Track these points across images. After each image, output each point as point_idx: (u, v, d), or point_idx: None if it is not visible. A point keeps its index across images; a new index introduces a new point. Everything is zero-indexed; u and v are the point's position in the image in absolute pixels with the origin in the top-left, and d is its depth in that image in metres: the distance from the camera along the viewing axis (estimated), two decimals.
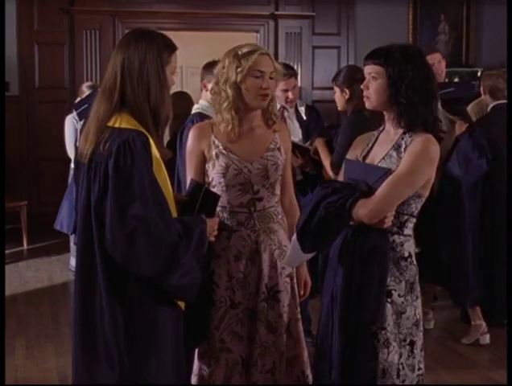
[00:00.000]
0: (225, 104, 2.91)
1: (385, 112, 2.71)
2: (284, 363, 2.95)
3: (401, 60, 2.59)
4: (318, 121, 5.00)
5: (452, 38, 9.27)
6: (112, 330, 2.41)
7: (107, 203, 2.36)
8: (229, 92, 2.89)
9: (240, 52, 2.88)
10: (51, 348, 4.70)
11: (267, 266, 2.94)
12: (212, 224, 2.65)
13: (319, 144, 4.34)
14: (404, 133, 2.64)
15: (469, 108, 6.20)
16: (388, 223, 2.57)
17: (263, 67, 2.88)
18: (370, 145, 2.77)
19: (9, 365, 4.36)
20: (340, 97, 4.43)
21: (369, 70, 2.67)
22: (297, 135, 4.78)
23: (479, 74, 8.43)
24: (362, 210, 2.54)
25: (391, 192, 2.54)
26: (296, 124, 4.85)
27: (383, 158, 2.66)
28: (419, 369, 2.69)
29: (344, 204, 2.55)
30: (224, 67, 2.91)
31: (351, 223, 2.61)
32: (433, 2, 9.20)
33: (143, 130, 2.44)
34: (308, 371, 3.01)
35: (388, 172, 2.57)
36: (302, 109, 4.98)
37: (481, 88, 5.32)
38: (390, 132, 2.71)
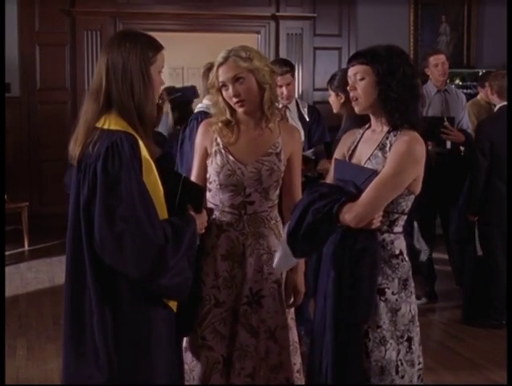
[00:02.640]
0: (217, 109, 2.97)
1: (371, 115, 2.71)
2: (266, 369, 2.93)
3: (387, 57, 2.59)
4: (320, 121, 5.02)
5: (452, 39, 9.27)
6: (101, 330, 2.41)
7: (96, 205, 2.37)
8: (219, 102, 2.95)
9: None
10: (52, 349, 4.70)
11: (252, 270, 2.92)
12: (201, 221, 2.66)
13: (325, 166, 4.39)
14: (389, 132, 2.64)
15: (467, 107, 6.20)
16: (376, 224, 2.57)
17: (222, 77, 2.88)
18: (355, 144, 2.77)
19: (10, 366, 4.37)
20: (335, 101, 4.49)
21: (355, 71, 2.67)
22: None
23: (480, 75, 8.50)
24: (348, 215, 2.54)
25: (377, 196, 2.53)
26: (299, 124, 4.86)
27: (369, 158, 2.66)
28: (419, 363, 2.70)
29: (331, 210, 2.55)
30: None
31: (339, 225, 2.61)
32: (434, 3, 9.20)
33: (132, 131, 2.45)
34: (295, 377, 3.00)
35: (374, 173, 2.56)
36: (305, 110, 5.00)
37: (489, 89, 5.35)
38: (376, 131, 2.71)
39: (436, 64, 5.78)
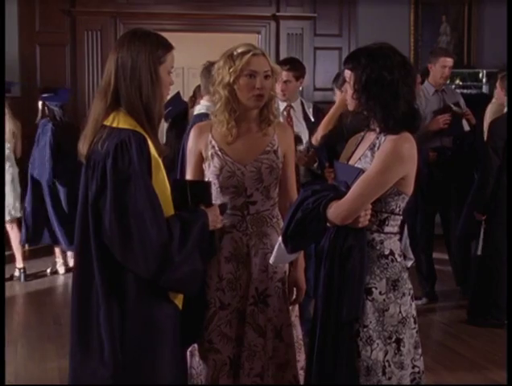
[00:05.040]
0: (219, 105, 2.93)
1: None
2: (273, 368, 2.94)
3: (364, 65, 2.59)
4: None
5: (453, 39, 9.25)
6: (107, 325, 2.43)
7: (106, 202, 2.39)
8: (223, 93, 2.91)
9: (234, 53, 2.90)
10: (53, 349, 4.71)
11: (258, 270, 2.93)
12: (214, 213, 2.66)
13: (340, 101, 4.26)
14: (381, 132, 2.64)
15: (490, 111, 6.19)
16: (364, 222, 2.56)
17: (256, 67, 2.88)
18: (356, 145, 2.79)
19: (10, 366, 4.36)
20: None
21: (345, 73, 2.71)
22: (304, 136, 4.80)
23: (480, 75, 8.51)
24: (333, 211, 2.55)
25: (361, 193, 2.54)
26: (303, 124, 4.87)
27: (359, 158, 2.68)
28: (414, 367, 2.67)
29: (318, 206, 2.57)
30: (219, 68, 2.93)
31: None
32: (434, 3, 9.19)
33: (140, 130, 2.47)
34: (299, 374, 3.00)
35: (360, 172, 2.57)
36: (310, 110, 5.00)
37: (501, 90, 5.39)
38: (373, 132, 2.72)
39: (444, 66, 5.80)
